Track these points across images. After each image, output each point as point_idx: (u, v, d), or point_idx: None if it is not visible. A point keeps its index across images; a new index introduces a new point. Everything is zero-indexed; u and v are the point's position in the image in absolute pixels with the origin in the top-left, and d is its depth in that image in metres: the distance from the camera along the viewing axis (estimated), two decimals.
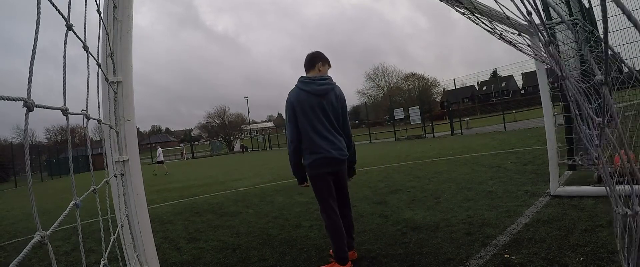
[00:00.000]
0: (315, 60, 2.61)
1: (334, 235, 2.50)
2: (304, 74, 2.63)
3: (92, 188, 0.92)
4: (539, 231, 2.70)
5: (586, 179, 3.85)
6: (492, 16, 2.61)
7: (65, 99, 0.72)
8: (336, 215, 2.53)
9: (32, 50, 0.60)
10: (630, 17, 0.50)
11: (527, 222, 2.95)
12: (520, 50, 2.48)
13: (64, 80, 0.72)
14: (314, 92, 2.49)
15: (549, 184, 3.73)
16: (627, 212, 0.88)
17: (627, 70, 3.19)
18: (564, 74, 1.10)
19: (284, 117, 2.61)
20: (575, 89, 1.27)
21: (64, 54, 0.73)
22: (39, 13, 0.63)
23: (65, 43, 0.73)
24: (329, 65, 2.68)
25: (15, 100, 0.55)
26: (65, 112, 0.70)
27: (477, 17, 2.48)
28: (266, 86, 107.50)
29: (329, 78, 2.61)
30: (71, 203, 0.73)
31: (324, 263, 2.63)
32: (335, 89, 2.60)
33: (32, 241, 0.57)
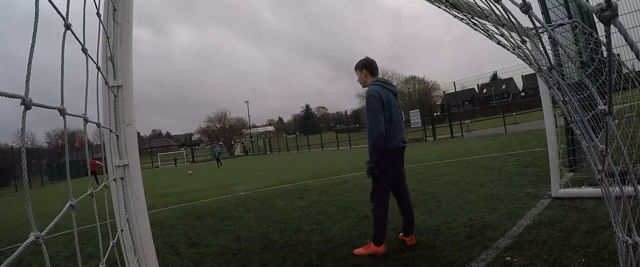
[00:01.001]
0: (376, 67, 3.01)
1: (379, 219, 2.76)
2: (374, 77, 2.98)
3: (89, 191, 0.91)
4: (540, 233, 2.69)
5: (587, 181, 3.83)
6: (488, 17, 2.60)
7: (62, 99, 0.71)
8: (388, 202, 2.81)
9: (30, 47, 0.60)
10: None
11: (528, 225, 2.94)
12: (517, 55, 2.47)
13: (62, 81, 0.72)
14: (392, 90, 2.90)
15: (550, 186, 3.72)
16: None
17: (626, 71, 3.19)
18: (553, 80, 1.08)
19: (366, 111, 2.83)
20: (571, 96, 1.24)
21: (62, 54, 0.73)
22: (37, 12, 0.63)
23: (63, 43, 0.73)
24: None
25: (14, 98, 0.54)
26: (62, 112, 0.70)
27: (475, 22, 2.47)
28: (266, 89, 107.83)
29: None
30: (67, 204, 0.73)
31: None
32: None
33: (26, 241, 0.57)
